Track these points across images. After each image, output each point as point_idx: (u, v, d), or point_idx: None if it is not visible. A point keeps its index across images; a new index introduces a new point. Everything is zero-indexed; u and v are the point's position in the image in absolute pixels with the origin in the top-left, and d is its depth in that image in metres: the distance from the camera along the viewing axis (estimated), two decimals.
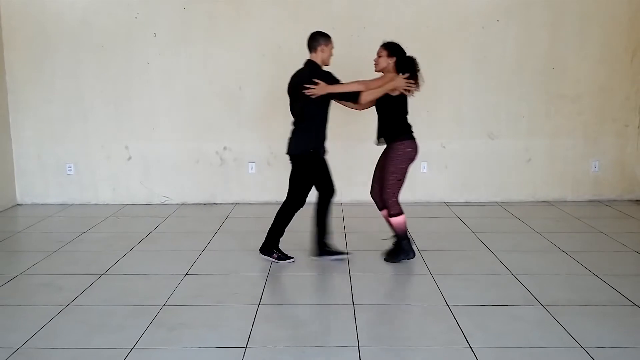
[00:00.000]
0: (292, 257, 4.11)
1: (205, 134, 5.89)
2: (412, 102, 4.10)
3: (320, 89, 3.84)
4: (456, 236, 4.79)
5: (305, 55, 5.67)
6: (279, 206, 4.10)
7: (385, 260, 4.12)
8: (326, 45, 3.98)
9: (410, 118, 4.08)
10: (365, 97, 3.91)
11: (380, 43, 4.08)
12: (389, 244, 4.18)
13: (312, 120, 3.96)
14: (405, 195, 4.23)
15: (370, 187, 4.27)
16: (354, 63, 5.54)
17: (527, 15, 5.69)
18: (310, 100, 3.85)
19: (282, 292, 3.59)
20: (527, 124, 5.86)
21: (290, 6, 5.68)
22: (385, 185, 4.00)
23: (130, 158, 5.95)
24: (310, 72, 3.92)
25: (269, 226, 4.09)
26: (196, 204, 6.00)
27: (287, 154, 4.04)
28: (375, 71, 4.05)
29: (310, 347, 2.87)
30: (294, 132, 4.02)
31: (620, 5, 5.68)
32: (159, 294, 3.53)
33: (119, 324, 3.13)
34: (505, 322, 3.12)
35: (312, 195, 4.09)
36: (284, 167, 5.91)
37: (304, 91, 3.82)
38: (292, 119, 4.07)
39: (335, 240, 4.66)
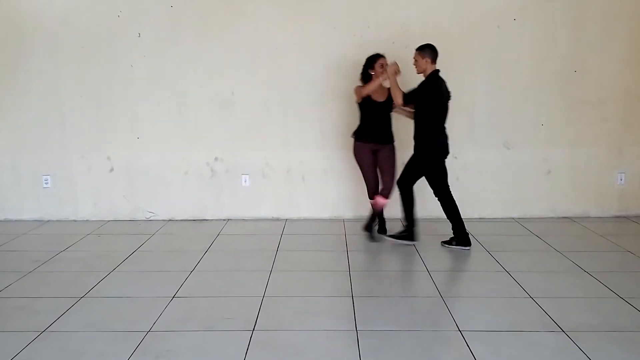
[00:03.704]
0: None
1: (195, 143, 5.93)
2: None
3: None
4: (469, 255, 4.82)
5: (305, 55, 5.80)
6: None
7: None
8: None
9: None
10: None
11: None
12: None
13: None
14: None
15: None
16: (355, 64, 5.61)
17: (546, 13, 5.73)
18: None
19: (279, 316, 3.61)
20: (546, 132, 5.89)
21: (287, 4, 5.72)
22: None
23: (112, 170, 5.99)
24: None
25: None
26: (185, 220, 6.03)
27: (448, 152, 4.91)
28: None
29: None
30: (445, 133, 4.90)
31: None
32: (144, 319, 3.55)
33: (101, 351, 3.15)
34: (523, 349, 3.15)
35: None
36: (280, 179, 6.00)
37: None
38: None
39: (337, 258, 4.70)
